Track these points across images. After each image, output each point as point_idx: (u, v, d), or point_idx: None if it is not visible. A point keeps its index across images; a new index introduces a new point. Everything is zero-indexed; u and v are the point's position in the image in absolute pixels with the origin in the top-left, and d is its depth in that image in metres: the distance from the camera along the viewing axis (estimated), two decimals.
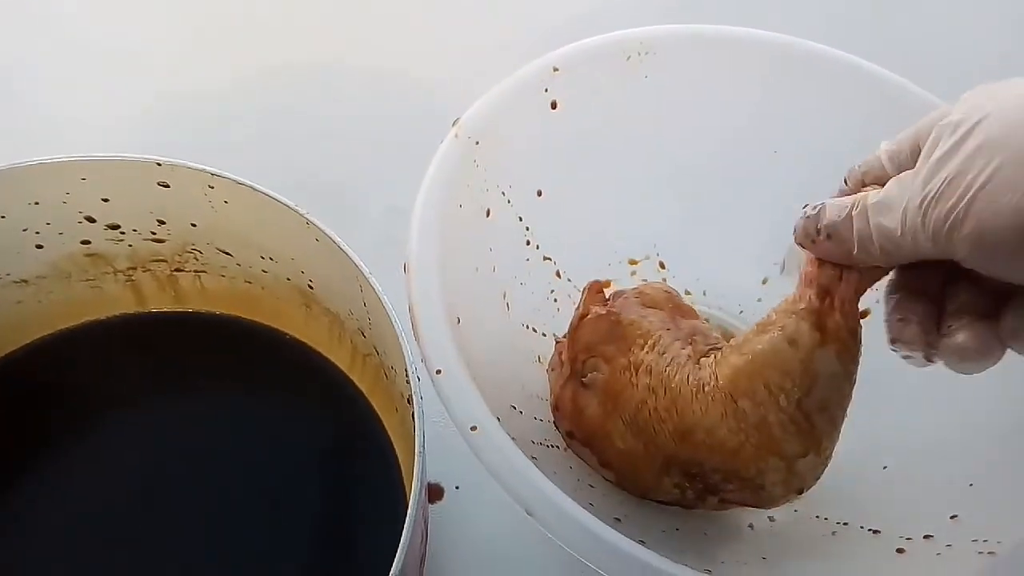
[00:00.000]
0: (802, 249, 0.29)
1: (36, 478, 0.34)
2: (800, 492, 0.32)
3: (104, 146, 0.32)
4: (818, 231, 0.27)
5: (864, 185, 0.29)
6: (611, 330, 0.34)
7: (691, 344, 0.34)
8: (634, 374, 0.33)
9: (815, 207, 0.28)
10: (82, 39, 0.56)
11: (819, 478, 0.32)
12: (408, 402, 0.29)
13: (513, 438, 0.29)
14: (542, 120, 0.39)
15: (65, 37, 0.56)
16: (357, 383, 0.37)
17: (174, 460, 0.35)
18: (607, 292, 0.38)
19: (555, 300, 0.41)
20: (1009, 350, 0.25)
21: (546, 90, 0.38)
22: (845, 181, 0.29)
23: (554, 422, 0.37)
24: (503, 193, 0.38)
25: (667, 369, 0.32)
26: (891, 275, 0.28)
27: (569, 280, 0.42)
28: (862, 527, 0.33)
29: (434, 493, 0.38)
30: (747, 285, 0.44)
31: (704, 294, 0.44)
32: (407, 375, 0.28)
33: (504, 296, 0.38)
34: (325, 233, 0.31)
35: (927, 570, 0.29)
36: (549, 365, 0.39)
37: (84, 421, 0.36)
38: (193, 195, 0.33)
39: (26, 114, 0.51)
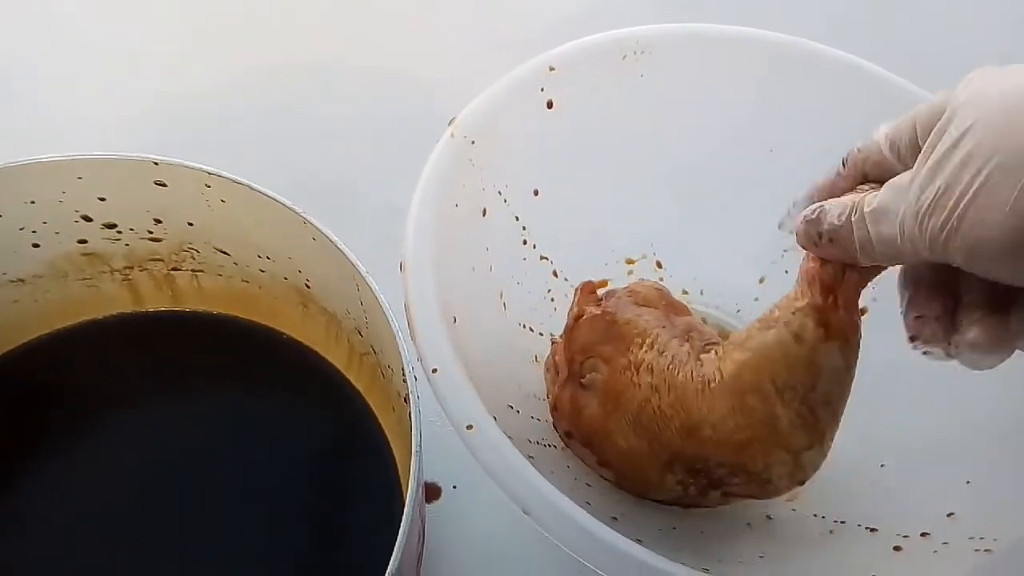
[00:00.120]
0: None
1: (33, 477, 0.34)
2: (802, 483, 0.32)
3: (103, 146, 0.32)
4: (819, 235, 0.28)
5: (863, 172, 0.28)
6: (608, 330, 0.34)
7: (688, 341, 0.34)
8: (635, 373, 0.33)
9: (813, 210, 0.28)
10: (81, 39, 0.56)
11: (818, 469, 0.32)
12: (405, 401, 0.29)
13: (510, 437, 0.29)
14: (538, 119, 0.39)
15: (64, 37, 0.56)
16: (354, 382, 0.37)
17: (171, 459, 0.35)
18: (600, 292, 0.38)
19: (552, 299, 0.41)
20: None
21: (542, 89, 0.38)
22: (843, 162, 0.29)
23: (552, 422, 0.37)
24: (499, 192, 0.38)
25: (669, 367, 0.33)
26: (900, 269, 0.28)
27: (566, 280, 0.42)
28: (859, 525, 0.33)
29: (431, 492, 0.38)
30: (744, 284, 0.44)
31: (701, 293, 0.44)
32: (404, 374, 0.28)
33: (501, 295, 0.38)
34: (322, 232, 0.31)
35: (924, 568, 0.29)
36: (545, 365, 0.39)
37: (81, 421, 0.36)
38: (190, 194, 0.33)
39: (24, 113, 0.51)
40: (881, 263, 0.27)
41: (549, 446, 0.36)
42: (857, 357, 0.31)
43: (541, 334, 0.40)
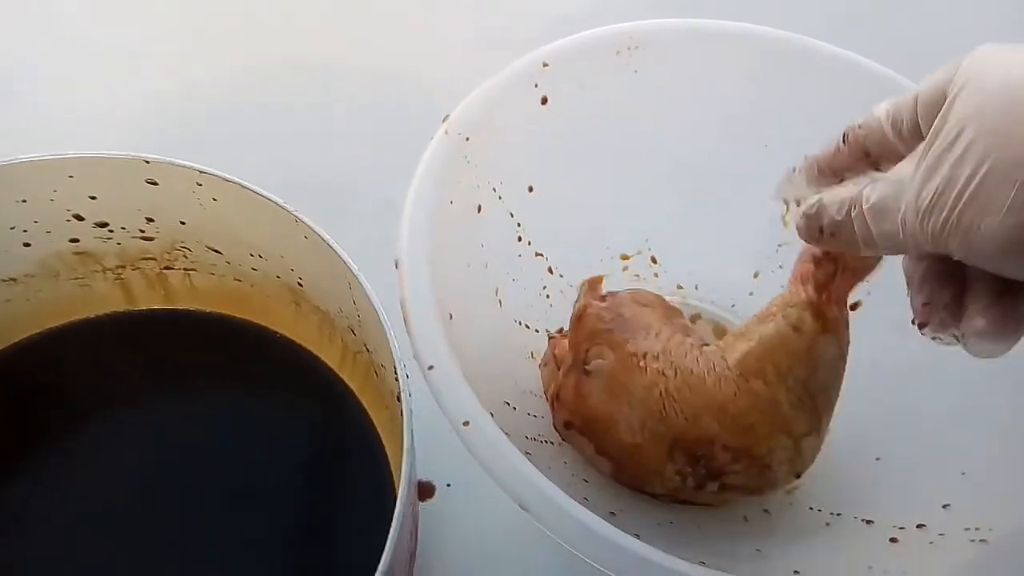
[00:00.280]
0: (795, 200, 0.30)
1: (25, 477, 0.34)
2: (799, 475, 0.33)
3: (99, 145, 0.32)
4: (821, 230, 0.27)
5: (865, 148, 0.28)
6: (615, 320, 0.35)
7: (688, 336, 0.35)
8: (641, 359, 0.34)
9: (812, 205, 0.28)
10: (77, 38, 0.55)
11: (814, 459, 0.33)
12: (397, 399, 0.28)
13: (507, 433, 0.29)
14: (532, 115, 0.39)
15: (60, 35, 0.55)
16: (347, 381, 0.37)
17: (164, 458, 0.35)
18: (601, 288, 0.38)
19: (547, 296, 0.41)
20: None
21: (536, 85, 0.38)
22: (844, 137, 0.29)
23: (552, 415, 0.37)
24: (494, 189, 0.38)
25: (675, 354, 0.34)
26: (905, 256, 0.28)
27: (561, 276, 0.42)
28: (855, 517, 0.33)
29: (425, 491, 0.38)
30: (739, 279, 0.44)
31: (696, 288, 0.44)
32: (396, 372, 0.28)
33: (496, 292, 0.38)
34: (314, 230, 0.30)
35: (920, 559, 0.30)
36: (542, 361, 0.39)
37: (73, 420, 0.35)
38: (182, 193, 0.33)
39: (18, 112, 0.51)
40: (884, 254, 0.27)
41: (546, 442, 0.36)
42: (848, 349, 0.33)
43: (537, 330, 0.40)
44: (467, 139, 0.36)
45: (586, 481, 0.35)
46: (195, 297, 0.39)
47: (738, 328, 0.35)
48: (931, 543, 0.30)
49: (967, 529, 0.29)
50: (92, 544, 0.33)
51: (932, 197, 0.22)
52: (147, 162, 0.32)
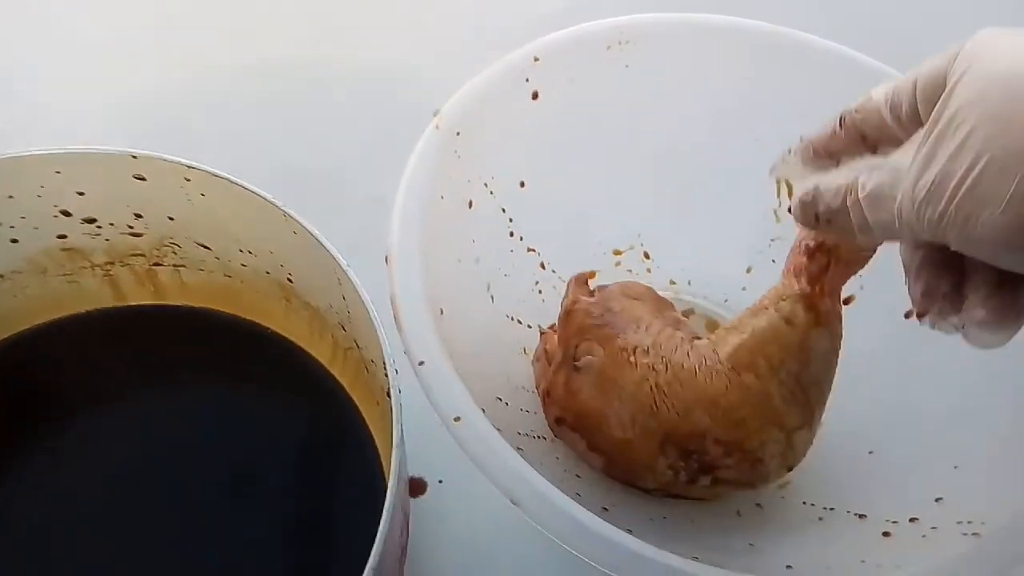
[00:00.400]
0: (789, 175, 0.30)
1: (13, 473, 0.34)
2: (791, 468, 0.33)
3: (85, 140, 0.32)
4: (816, 217, 0.27)
5: (862, 132, 0.28)
6: (604, 315, 0.35)
7: (679, 330, 0.35)
8: (631, 354, 0.33)
9: (808, 191, 0.27)
10: (64, 34, 0.55)
11: (806, 453, 0.33)
12: (387, 395, 0.28)
13: (499, 429, 0.29)
14: (523, 110, 0.39)
15: (46, 32, 0.55)
16: (338, 377, 0.37)
17: (154, 454, 0.35)
18: (591, 284, 0.38)
19: (540, 291, 0.41)
20: None
21: (527, 80, 0.38)
22: (840, 121, 0.28)
23: (543, 411, 0.37)
24: (485, 184, 0.38)
25: (665, 348, 0.33)
26: (903, 244, 0.27)
27: (554, 271, 0.42)
28: (849, 512, 0.33)
29: (417, 487, 0.38)
30: (732, 274, 0.44)
31: (689, 283, 0.44)
32: (385, 368, 0.28)
33: (488, 288, 0.38)
34: (303, 226, 0.30)
35: (913, 553, 0.29)
36: (534, 356, 0.39)
37: (63, 416, 0.35)
38: (170, 188, 0.33)
39: (5, 109, 0.51)
40: (881, 242, 0.27)
41: (538, 438, 0.35)
42: (840, 342, 0.33)
43: (529, 326, 0.40)
44: (458, 134, 0.35)
45: (578, 477, 0.35)
46: (185, 294, 0.38)
47: (730, 322, 0.34)
48: (924, 536, 0.30)
49: (959, 522, 0.29)
50: (81, 540, 0.33)
51: (929, 187, 0.22)
52: (135, 157, 0.31)
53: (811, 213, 0.27)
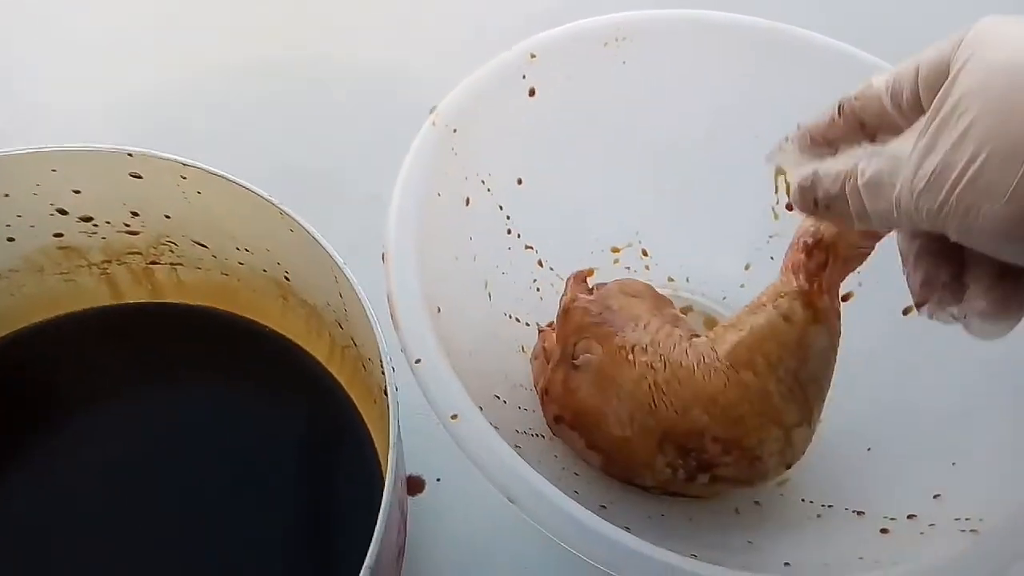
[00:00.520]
0: (786, 166, 0.30)
1: (10, 471, 0.34)
2: (789, 466, 0.33)
3: (81, 138, 0.32)
4: (815, 202, 0.27)
5: (861, 120, 0.27)
6: (602, 313, 0.35)
7: (678, 327, 0.35)
8: (630, 352, 0.33)
9: (807, 177, 0.27)
10: (60, 32, 0.55)
11: (805, 451, 0.33)
12: (384, 394, 0.28)
13: (496, 427, 0.29)
14: (520, 107, 0.38)
15: (42, 30, 0.55)
16: (336, 375, 0.37)
17: (152, 453, 0.35)
18: (590, 282, 0.38)
19: (538, 289, 0.41)
20: None
21: (524, 77, 0.38)
22: (839, 109, 0.28)
23: (542, 409, 0.36)
24: (482, 181, 0.38)
25: (663, 346, 0.33)
26: (900, 232, 0.27)
27: (552, 269, 0.42)
28: (847, 509, 0.33)
29: (415, 485, 0.38)
30: (730, 271, 0.44)
31: (687, 281, 0.44)
32: (382, 366, 0.28)
33: (486, 285, 0.38)
34: (299, 223, 0.30)
35: (911, 550, 0.29)
36: (532, 354, 0.39)
37: (60, 414, 0.35)
38: (166, 186, 0.33)
39: (1, 107, 0.50)
40: (880, 230, 0.27)
41: (536, 436, 0.35)
42: (839, 340, 0.33)
43: (527, 324, 0.40)
44: (454, 131, 0.35)
45: (577, 475, 0.35)
46: (182, 292, 0.38)
47: (728, 319, 0.34)
48: (922, 533, 0.30)
49: (957, 519, 0.29)
50: (78, 538, 0.33)
51: (929, 177, 0.22)
52: (130, 155, 0.31)
53: (810, 199, 0.27)
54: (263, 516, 0.33)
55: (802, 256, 0.32)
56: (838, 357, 0.33)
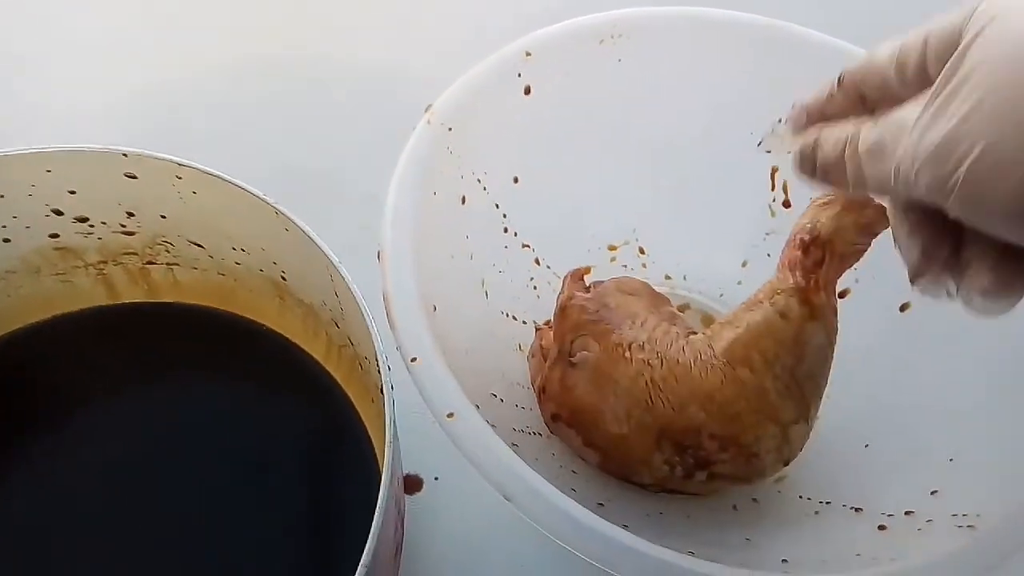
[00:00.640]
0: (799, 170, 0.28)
1: (6, 472, 0.34)
2: (787, 463, 0.33)
3: (76, 138, 0.32)
4: (814, 167, 0.26)
5: (861, 94, 0.26)
6: (599, 311, 0.35)
7: (675, 325, 0.35)
8: (627, 349, 0.33)
9: (809, 144, 0.26)
10: (54, 31, 0.55)
11: (802, 447, 0.33)
12: (381, 392, 0.28)
13: (493, 425, 0.29)
14: (516, 106, 0.38)
15: (36, 29, 0.55)
16: (333, 374, 0.37)
17: (149, 453, 0.35)
18: (587, 279, 0.38)
19: (535, 287, 0.41)
20: None
21: (519, 75, 0.38)
22: (839, 80, 0.27)
23: (539, 407, 0.36)
24: (478, 180, 0.38)
25: (660, 343, 0.33)
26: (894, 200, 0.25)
27: (548, 267, 0.42)
28: (844, 506, 0.33)
29: (412, 484, 0.38)
30: (727, 269, 0.44)
31: (684, 278, 0.44)
32: (378, 365, 0.28)
33: (482, 284, 0.38)
34: (294, 222, 0.30)
35: (908, 546, 0.29)
36: (529, 352, 0.39)
37: (57, 415, 0.35)
38: (161, 186, 0.32)
39: (1, 108, 0.50)
40: (876, 197, 0.26)
41: (534, 434, 0.35)
42: (836, 336, 0.33)
43: (524, 322, 0.40)
44: (450, 129, 0.35)
45: (574, 472, 0.35)
46: (179, 292, 0.38)
47: (725, 316, 0.34)
48: (919, 530, 0.30)
49: (955, 515, 0.29)
50: (75, 539, 0.33)
51: (933, 149, 0.21)
52: (125, 156, 0.31)
53: (809, 164, 0.26)
54: (261, 514, 0.33)
55: (799, 253, 0.32)
56: (835, 354, 0.33)
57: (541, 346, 0.38)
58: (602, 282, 0.37)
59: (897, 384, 0.36)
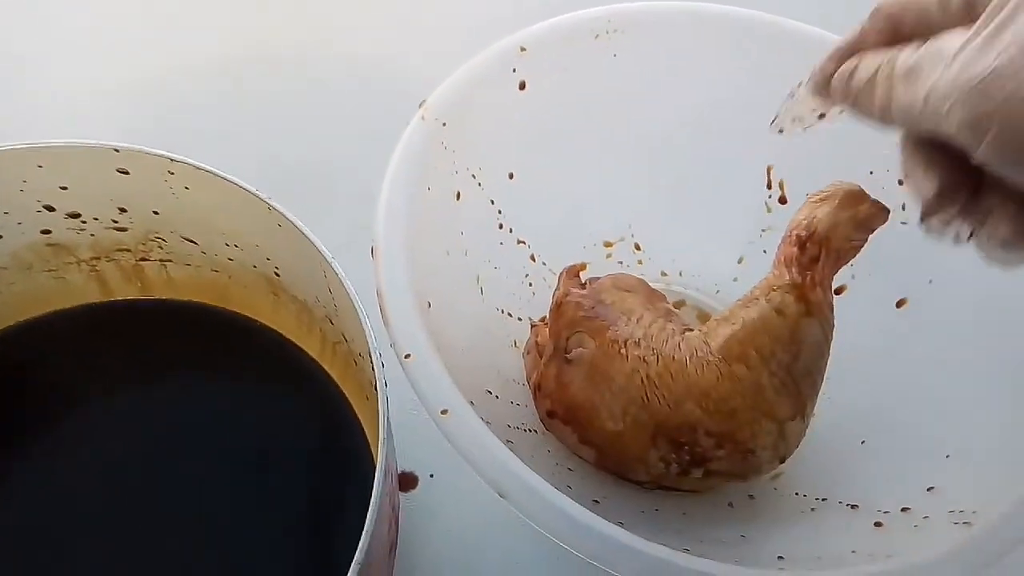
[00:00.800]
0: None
1: (1, 471, 0.34)
2: (783, 460, 0.33)
3: (67, 134, 0.31)
4: (846, 93, 0.24)
5: (898, 25, 0.24)
6: (595, 307, 0.35)
7: (671, 322, 0.35)
8: (622, 346, 0.33)
9: (846, 69, 0.24)
10: (45, 25, 0.55)
11: (799, 444, 0.33)
12: (375, 389, 0.28)
13: (488, 422, 0.28)
14: (511, 101, 0.38)
15: (27, 23, 0.55)
16: (328, 370, 0.36)
17: (144, 450, 0.34)
18: (582, 276, 0.37)
19: (530, 284, 0.41)
20: None
21: (514, 70, 0.38)
22: (873, 13, 0.25)
23: (534, 404, 0.36)
24: (473, 176, 0.38)
25: (656, 340, 0.33)
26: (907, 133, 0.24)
27: (544, 264, 0.41)
28: (840, 502, 0.33)
29: (408, 481, 0.38)
30: (723, 265, 0.43)
31: (680, 275, 0.44)
32: (372, 362, 0.28)
33: (478, 280, 0.38)
34: (287, 218, 0.30)
35: (905, 543, 0.29)
36: (525, 349, 0.39)
37: (50, 413, 0.35)
38: (154, 182, 0.32)
39: None
40: (901, 128, 0.23)
41: (529, 431, 0.35)
42: (832, 333, 0.33)
43: (520, 319, 0.40)
44: (444, 124, 0.35)
45: (570, 470, 0.35)
46: (172, 289, 0.38)
47: (721, 313, 0.34)
48: (915, 526, 0.30)
49: (951, 512, 0.29)
50: (71, 537, 0.32)
51: (975, 85, 0.19)
52: (117, 151, 0.31)
53: (840, 87, 0.24)
54: (254, 511, 0.33)
55: (795, 250, 0.32)
56: (831, 350, 0.33)
57: (536, 343, 0.38)
58: (598, 279, 0.37)
59: (893, 380, 0.36)
